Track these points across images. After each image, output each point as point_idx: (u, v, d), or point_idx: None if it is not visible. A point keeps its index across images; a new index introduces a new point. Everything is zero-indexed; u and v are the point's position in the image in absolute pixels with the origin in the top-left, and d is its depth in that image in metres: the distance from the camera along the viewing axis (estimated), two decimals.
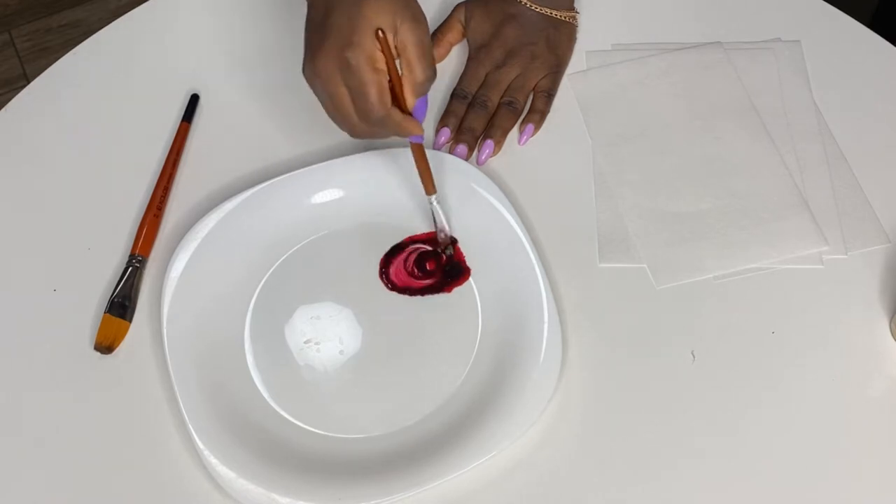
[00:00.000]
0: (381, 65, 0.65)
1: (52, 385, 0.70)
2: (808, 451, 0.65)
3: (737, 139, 0.78)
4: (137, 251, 0.74)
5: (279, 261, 0.74)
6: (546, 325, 0.68)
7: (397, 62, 0.66)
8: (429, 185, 0.72)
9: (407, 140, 0.69)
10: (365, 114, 0.65)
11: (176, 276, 0.71)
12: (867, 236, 0.74)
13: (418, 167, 0.71)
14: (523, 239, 0.71)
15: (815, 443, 0.66)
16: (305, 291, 0.73)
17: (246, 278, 0.73)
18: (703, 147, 0.78)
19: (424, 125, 0.80)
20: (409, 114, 0.68)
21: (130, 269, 0.73)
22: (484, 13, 0.83)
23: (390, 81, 0.66)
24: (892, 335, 0.69)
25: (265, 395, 0.69)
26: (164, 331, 0.69)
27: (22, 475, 0.67)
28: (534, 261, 0.70)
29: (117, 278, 0.73)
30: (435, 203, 0.72)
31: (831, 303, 0.71)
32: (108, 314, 0.71)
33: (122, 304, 0.72)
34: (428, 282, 0.73)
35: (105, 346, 0.70)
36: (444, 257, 0.74)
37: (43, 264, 0.75)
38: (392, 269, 0.73)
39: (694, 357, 0.69)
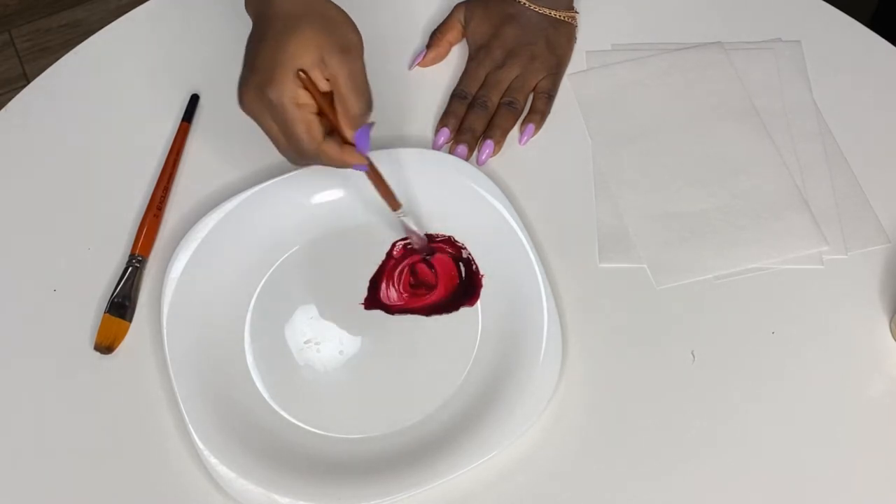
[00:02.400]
0: (306, 99, 0.63)
1: (52, 385, 0.70)
2: (808, 451, 0.65)
3: (736, 139, 0.78)
4: (137, 251, 0.74)
5: (279, 261, 0.74)
6: (546, 325, 0.68)
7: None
8: (392, 202, 0.71)
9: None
10: (297, 149, 0.64)
11: (176, 276, 0.71)
12: (867, 236, 0.74)
13: (377, 189, 0.70)
14: (523, 239, 0.71)
15: (816, 442, 0.66)
16: (305, 291, 0.73)
17: (246, 278, 0.73)
18: (703, 147, 0.78)
19: (424, 124, 0.80)
20: (351, 143, 0.65)
21: (130, 269, 0.73)
22: (484, 13, 0.83)
23: (324, 116, 0.64)
24: (892, 335, 0.69)
25: (265, 395, 0.69)
26: (164, 331, 0.69)
27: (22, 475, 0.67)
28: (534, 261, 0.70)
29: (117, 278, 0.73)
30: (402, 217, 0.71)
31: (831, 303, 0.71)
32: (108, 314, 0.71)
33: (122, 304, 0.72)
34: (433, 299, 0.72)
35: (105, 346, 0.70)
36: (461, 274, 0.73)
37: (43, 264, 0.75)
38: (383, 293, 0.73)
39: (694, 357, 0.69)
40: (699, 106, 0.80)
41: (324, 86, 0.64)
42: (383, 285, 0.73)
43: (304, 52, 0.62)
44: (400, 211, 0.71)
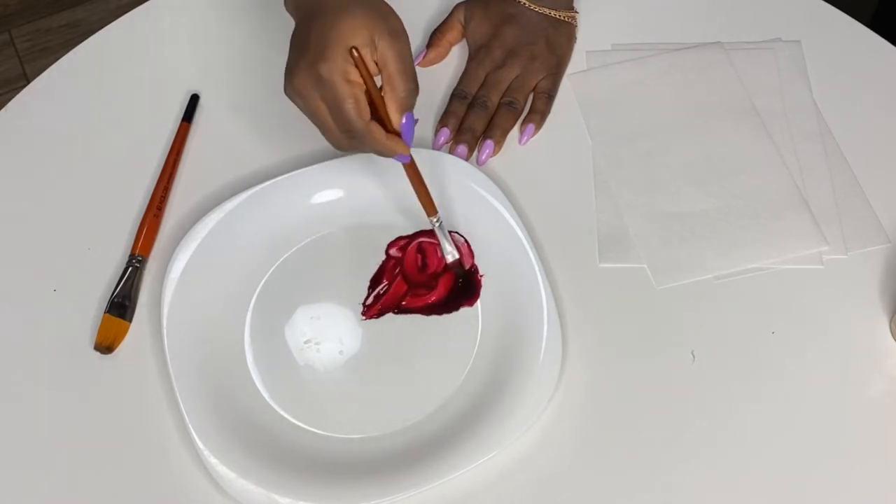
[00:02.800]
0: (356, 77, 0.64)
1: (52, 385, 0.70)
2: (808, 451, 0.65)
3: (736, 139, 0.78)
4: (137, 251, 0.74)
5: (279, 261, 0.74)
6: (546, 325, 0.68)
7: (379, 79, 0.65)
8: (429, 206, 0.70)
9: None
10: (345, 127, 0.65)
11: (176, 276, 0.71)
12: (867, 236, 0.74)
13: (415, 188, 0.70)
14: (523, 239, 0.71)
15: (816, 442, 0.66)
16: (305, 291, 0.73)
17: (246, 278, 0.73)
18: (703, 147, 0.78)
19: (424, 124, 0.80)
20: (396, 133, 0.66)
21: (130, 269, 0.73)
22: (483, 13, 0.83)
23: (372, 101, 0.65)
24: (892, 335, 0.69)
25: (265, 395, 0.69)
26: (164, 331, 0.68)
27: (22, 475, 0.67)
28: (534, 261, 0.70)
29: (117, 278, 0.73)
30: (436, 225, 0.71)
31: (831, 303, 0.71)
32: (108, 314, 0.71)
33: (122, 304, 0.72)
34: (433, 299, 0.72)
35: (105, 346, 0.70)
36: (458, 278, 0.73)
37: (43, 264, 0.75)
38: (382, 292, 0.73)
39: (694, 357, 0.69)
40: (699, 106, 0.80)
41: (372, 68, 0.65)
42: (383, 285, 0.73)
43: (356, 32, 0.63)
44: (435, 217, 0.71)
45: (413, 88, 0.66)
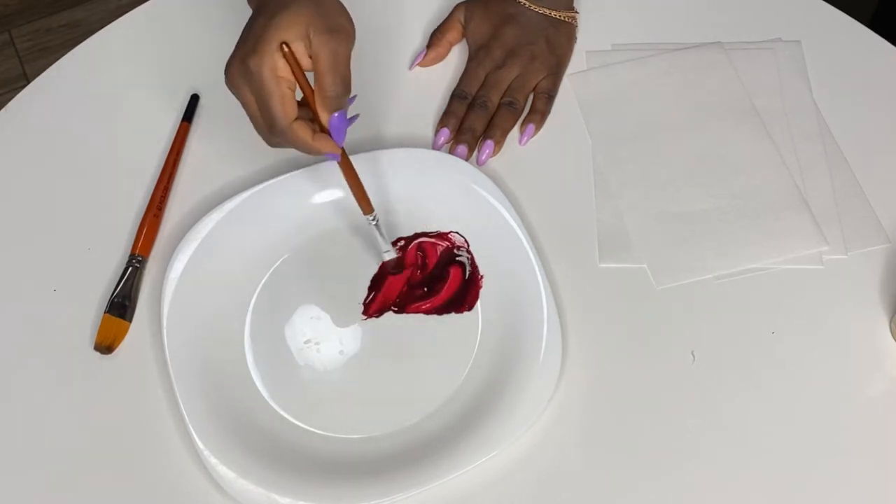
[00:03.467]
0: (286, 73, 0.63)
1: (52, 385, 0.70)
2: (808, 451, 0.65)
3: (736, 139, 0.78)
4: (137, 251, 0.74)
5: (279, 261, 0.74)
6: (546, 325, 0.68)
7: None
8: (364, 205, 0.69)
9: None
10: (269, 126, 0.64)
11: (176, 276, 0.71)
12: (867, 236, 0.74)
13: (349, 185, 0.68)
14: (523, 239, 0.71)
15: (816, 442, 0.66)
16: (305, 291, 0.73)
17: (246, 278, 0.73)
18: (703, 147, 0.78)
19: (424, 124, 0.80)
20: (326, 131, 0.65)
21: (130, 269, 0.73)
22: (484, 13, 0.83)
23: (303, 101, 0.64)
24: (892, 335, 0.69)
25: (265, 395, 0.69)
26: (164, 331, 0.69)
27: (22, 475, 0.67)
28: (534, 261, 0.70)
29: (117, 278, 0.73)
30: (372, 223, 0.70)
31: (831, 303, 0.71)
32: (108, 314, 0.71)
33: (122, 304, 0.72)
34: (433, 299, 0.72)
35: (105, 346, 0.70)
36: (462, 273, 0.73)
37: (43, 264, 0.75)
38: (383, 293, 0.73)
39: (694, 357, 0.69)
40: (699, 106, 0.80)
41: (306, 63, 0.64)
42: (383, 286, 0.73)
43: (291, 26, 0.62)
44: (371, 216, 0.70)
45: (341, 89, 0.64)
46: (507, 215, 0.73)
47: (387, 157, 0.75)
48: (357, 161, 0.75)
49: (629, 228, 0.74)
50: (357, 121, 0.67)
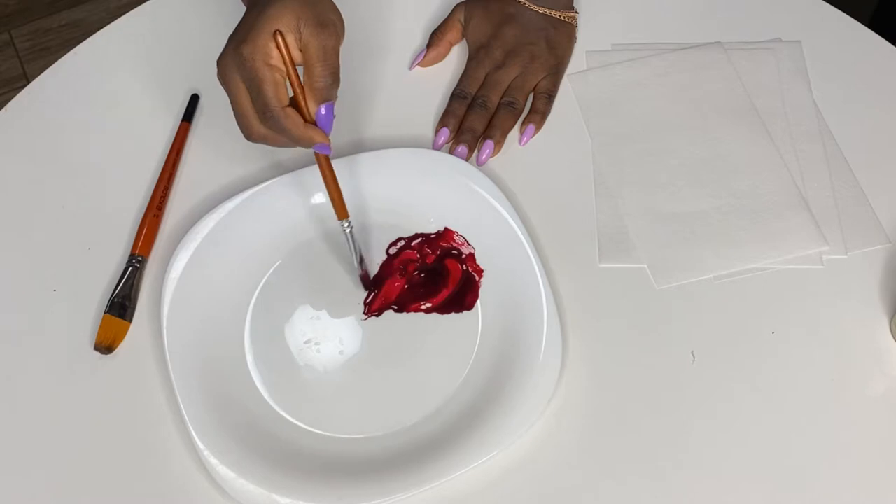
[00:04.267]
0: (278, 62, 0.64)
1: (52, 385, 0.70)
2: (807, 451, 0.65)
3: (736, 139, 0.78)
4: (137, 251, 0.74)
5: (279, 261, 0.74)
6: (546, 325, 0.68)
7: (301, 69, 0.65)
8: (340, 209, 0.68)
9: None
10: (261, 112, 0.64)
11: (176, 276, 0.71)
12: (867, 236, 0.74)
13: (326, 186, 0.68)
14: (523, 239, 0.71)
15: (815, 442, 0.66)
16: (305, 291, 0.73)
17: (246, 278, 0.73)
18: (702, 147, 0.78)
19: (424, 124, 0.80)
20: (313, 123, 0.65)
21: (130, 269, 0.73)
22: (484, 13, 0.83)
23: (294, 91, 0.64)
24: (892, 335, 0.69)
25: (265, 395, 0.69)
26: (164, 331, 0.69)
27: (22, 475, 0.67)
28: (534, 261, 0.70)
29: (117, 278, 0.73)
30: (347, 230, 0.69)
31: (831, 303, 0.71)
32: (108, 314, 0.71)
33: (122, 304, 0.72)
34: (434, 298, 0.72)
35: (105, 346, 0.70)
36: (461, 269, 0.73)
37: (43, 264, 0.75)
38: (384, 292, 0.72)
39: (694, 357, 0.69)
40: (699, 106, 0.80)
41: (297, 55, 0.65)
42: (384, 285, 0.73)
43: (282, 17, 0.63)
44: (345, 222, 0.69)
45: (330, 81, 0.65)
46: (506, 215, 0.72)
47: (385, 156, 0.75)
48: (356, 161, 0.75)
49: (629, 228, 0.74)
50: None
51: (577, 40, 0.84)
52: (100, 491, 0.66)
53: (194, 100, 0.82)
